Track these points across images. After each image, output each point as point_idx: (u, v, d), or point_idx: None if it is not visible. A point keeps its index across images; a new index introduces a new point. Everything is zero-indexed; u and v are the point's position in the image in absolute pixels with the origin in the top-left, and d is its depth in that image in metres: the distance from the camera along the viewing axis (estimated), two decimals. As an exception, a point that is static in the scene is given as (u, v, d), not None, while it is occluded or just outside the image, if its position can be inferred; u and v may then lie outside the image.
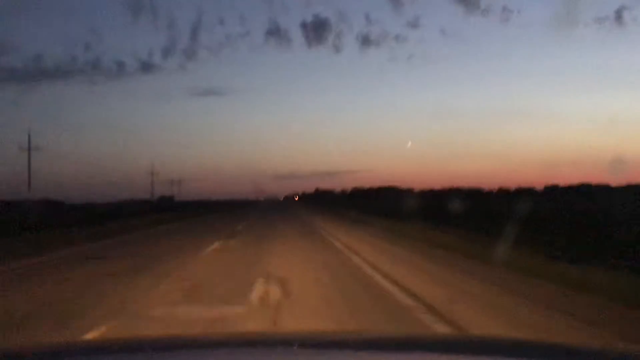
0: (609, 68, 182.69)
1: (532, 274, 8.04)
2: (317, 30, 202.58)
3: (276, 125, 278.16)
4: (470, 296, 6.80)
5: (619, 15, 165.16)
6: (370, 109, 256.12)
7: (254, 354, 1.72)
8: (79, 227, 21.67)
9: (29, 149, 45.63)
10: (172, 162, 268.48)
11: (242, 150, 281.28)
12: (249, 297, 6.57)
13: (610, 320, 5.56)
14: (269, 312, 5.74)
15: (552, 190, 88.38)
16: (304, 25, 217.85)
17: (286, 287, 7.17)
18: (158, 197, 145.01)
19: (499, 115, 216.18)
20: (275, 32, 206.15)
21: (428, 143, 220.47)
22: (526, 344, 2.01)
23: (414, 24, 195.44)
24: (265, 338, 2.30)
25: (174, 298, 6.69)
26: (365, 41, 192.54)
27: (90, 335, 4.84)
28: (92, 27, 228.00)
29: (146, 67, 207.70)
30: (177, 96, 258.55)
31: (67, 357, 1.65)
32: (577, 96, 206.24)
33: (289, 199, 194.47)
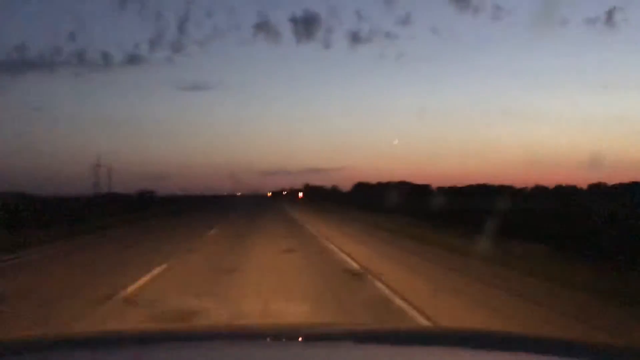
0: (600, 68, 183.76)
1: (424, 241, 14.92)
2: (306, 25, 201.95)
3: (263, 121, 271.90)
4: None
5: (610, 16, 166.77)
6: (359, 105, 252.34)
7: (249, 347, 1.72)
8: None
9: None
10: (156, 156, 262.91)
11: (227, 145, 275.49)
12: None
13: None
14: None
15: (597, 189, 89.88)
16: (293, 20, 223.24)
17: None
18: (137, 191, 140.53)
19: (488, 113, 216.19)
20: (264, 26, 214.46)
21: (416, 140, 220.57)
22: (523, 338, 2.07)
23: (404, 21, 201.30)
24: (260, 331, 2.20)
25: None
26: (355, 38, 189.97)
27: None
28: (77, 16, 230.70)
29: (132, 59, 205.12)
30: (163, 89, 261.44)
31: (57, 351, 1.63)
32: (568, 96, 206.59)
33: (278, 195, 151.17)
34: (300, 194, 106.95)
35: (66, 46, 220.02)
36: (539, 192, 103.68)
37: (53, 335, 2.22)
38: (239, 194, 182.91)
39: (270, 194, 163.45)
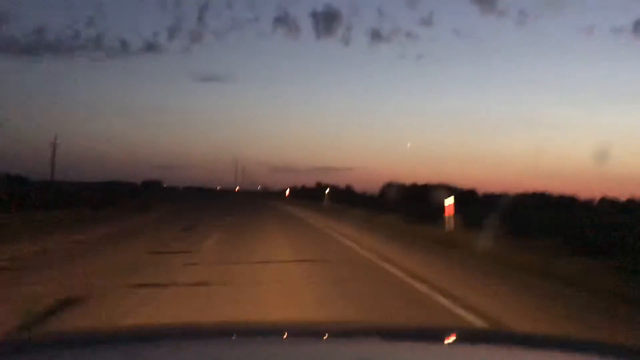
0: (625, 80, 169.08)
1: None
2: (327, 21, 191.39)
3: (276, 116, 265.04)
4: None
5: (637, 26, 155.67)
6: (376, 105, 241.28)
7: (263, 345, 1.62)
8: None
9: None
10: (167, 146, 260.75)
11: (240, 139, 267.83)
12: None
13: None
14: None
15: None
16: (314, 15, 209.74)
17: None
18: (142, 181, 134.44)
19: (506, 120, 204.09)
20: (284, 20, 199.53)
21: (431, 143, 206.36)
22: (535, 338, 2.14)
23: (427, 22, 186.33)
24: (259, 328, 2.07)
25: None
26: (376, 36, 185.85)
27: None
28: (96, 1, 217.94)
29: (150, 47, 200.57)
30: (179, 79, 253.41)
31: (55, 350, 1.50)
32: (589, 106, 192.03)
33: (304, 194, 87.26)
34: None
35: (84, 31, 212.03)
36: (608, 205, 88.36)
37: (52, 334, 2.24)
38: (237, 188, 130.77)
39: (288, 192, 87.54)
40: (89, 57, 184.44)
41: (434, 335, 1.89)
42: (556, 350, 1.66)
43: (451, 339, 1.83)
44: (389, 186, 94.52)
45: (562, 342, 1.88)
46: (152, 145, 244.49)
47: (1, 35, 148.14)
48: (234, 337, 1.72)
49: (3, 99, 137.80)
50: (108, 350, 1.51)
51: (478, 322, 5.43)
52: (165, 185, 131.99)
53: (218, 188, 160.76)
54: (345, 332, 1.87)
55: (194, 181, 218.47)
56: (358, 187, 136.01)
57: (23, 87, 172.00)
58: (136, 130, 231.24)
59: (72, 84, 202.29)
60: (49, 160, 51.12)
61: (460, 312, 5.86)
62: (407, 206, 32.80)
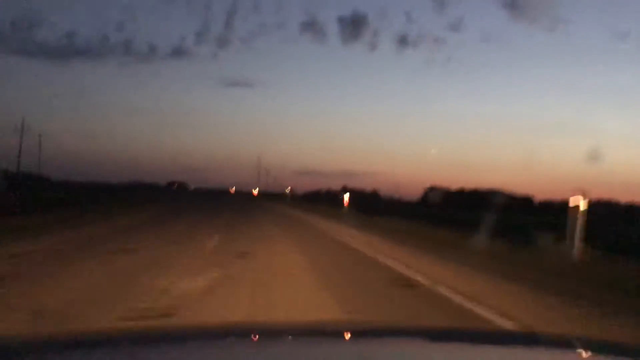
0: None
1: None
2: (354, 26, 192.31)
3: (303, 121, 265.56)
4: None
5: None
6: (402, 109, 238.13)
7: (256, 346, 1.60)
8: None
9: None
10: (193, 149, 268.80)
11: (265, 143, 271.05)
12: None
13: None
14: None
15: None
16: (341, 20, 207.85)
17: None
18: (167, 182, 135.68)
19: (535, 127, 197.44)
20: (310, 25, 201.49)
21: (458, 148, 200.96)
22: (535, 337, 2.13)
23: (455, 27, 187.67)
24: (264, 329, 2.03)
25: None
26: (403, 41, 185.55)
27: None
28: (125, 6, 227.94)
29: (177, 52, 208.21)
30: (206, 84, 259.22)
31: (52, 351, 1.44)
32: (623, 113, 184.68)
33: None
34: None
35: (114, 36, 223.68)
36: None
37: (48, 335, 2.18)
38: (256, 191, 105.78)
39: (347, 199, 37.02)
40: (117, 62, 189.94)
41: (435, 336, 1.89)
42: (556, 349, 1.67)
43: (452, 338, 1.83)
44: (431, 191, 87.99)
45: (563, 341, 1.90)
46: (179, 148, 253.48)
47: (32, 40, 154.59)
48: (233, 339, 1.69)
49: (32, 102, 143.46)
50: (107, 352, 1.47)
51: None
52: (175, 188, 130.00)
53: (232, 190, 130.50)
54: (346, 332, 1.88)
55: (220, 184, 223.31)
56: (384, 192, 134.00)
57: (53, 91, 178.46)
58: (163, 134, 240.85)
59: (101, 87, 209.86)
60: (84, 162, 49.40)
61: None
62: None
